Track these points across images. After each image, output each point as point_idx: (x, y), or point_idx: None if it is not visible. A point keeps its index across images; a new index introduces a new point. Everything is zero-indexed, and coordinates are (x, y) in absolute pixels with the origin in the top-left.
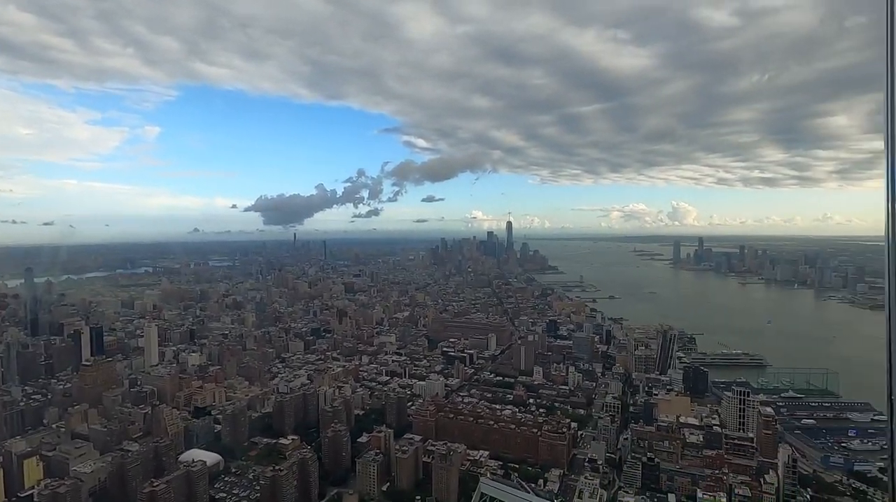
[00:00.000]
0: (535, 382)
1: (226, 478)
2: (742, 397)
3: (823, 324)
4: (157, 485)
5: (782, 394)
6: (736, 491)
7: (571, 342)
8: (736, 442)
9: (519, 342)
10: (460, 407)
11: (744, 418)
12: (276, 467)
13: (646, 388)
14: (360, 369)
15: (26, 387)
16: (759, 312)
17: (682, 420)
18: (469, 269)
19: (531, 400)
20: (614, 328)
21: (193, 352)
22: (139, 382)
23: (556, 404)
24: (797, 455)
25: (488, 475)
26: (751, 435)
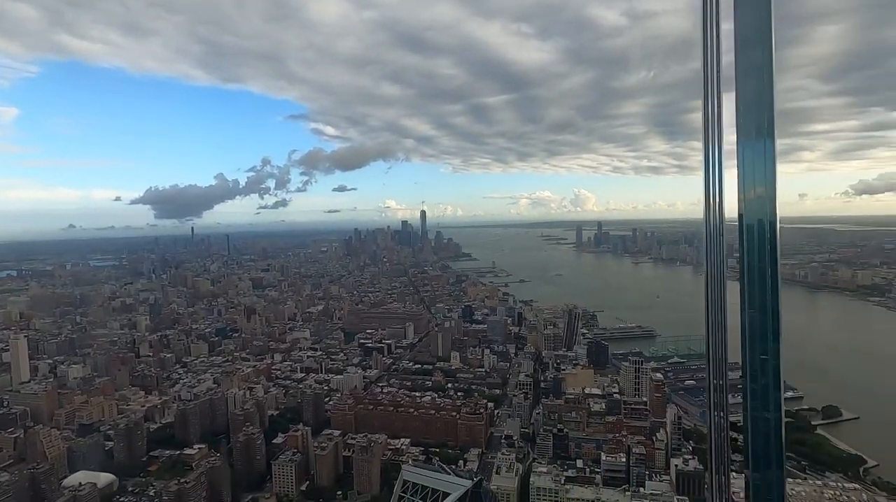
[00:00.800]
0: (453, 367)
1: (122, 499)
2: (636, 366)
3: (700, 296)
4: None
5: (669, 361)
6: (633, 450)
7: (486, 326)
8: (633, 406)
9: (436, 329)
10: (380, 398)
11: (638, 384)
12: (182, 480)
13: (555, 365)
14: (273, 368)
15: None
16: (649, 288)
17: (587, 391)
18: (384, 259)
19: (449, 385)
20: (525, 310)
21: (75, 363)
22: (6, 403)
23: (474, 387)
24: (681, 413)
25: (410, 462)
26: (644, 399)
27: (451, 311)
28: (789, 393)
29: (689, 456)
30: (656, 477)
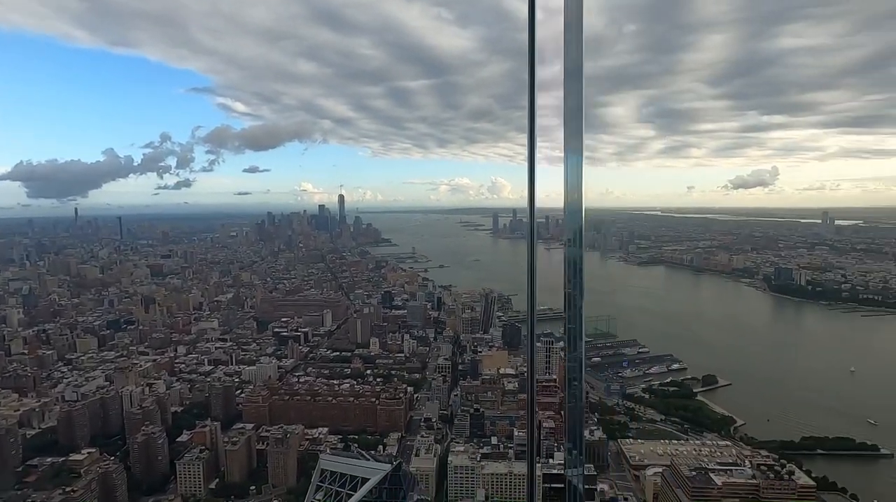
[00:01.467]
0: (372, 353)
1: None
2: (547, 346)
3: (606, 279)
4: None
5: None
6: (544, 424)
7: (406, 311)
8: (544, 383)
9: (355, 315)
10: (296, 388)
11: (549, 363)
12: (68, 489)
13: (472, 347)
14: (177, 361)
15: None
16: (559, 273)
17: (501, 371)
18: (300, 245)
19: (369, 372)
20: (444, 295)
21: None
22: None
23: (393, 372)
24: (588, 388)
25: (328, 451)
26: (554, 376)
27: (370, 297)
28: (675, 365)
29: (595, 427)
30: (565, 448)
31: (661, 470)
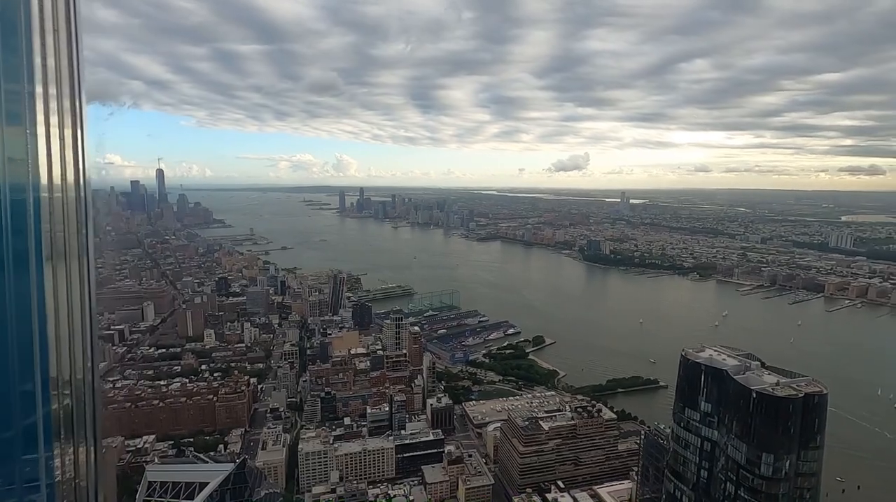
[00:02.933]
0: (207, 346)
1: None
2: (396, 322)
3: (449, 255)
4: None
5: (424, 314)
6: (395, 398)
7: (245, 298)
8: (394, 359)
9: (184, 306)
10: (111, 395)
11: (399, 339)
12: None
13: (321, 330)
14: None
15: None
16: (407, 250)
17: (353, 352)
18: (109, 228)
19: (204, 367)
20: (288, 278)
21: None
22: None
23: (233, 364)
24: (435, 359)
25: (156, 460)
26: (405, 351)
27: (202, 285)
28: (511, 330)
29: (442, 394)
30: (415, 418)
31: (499, 424)
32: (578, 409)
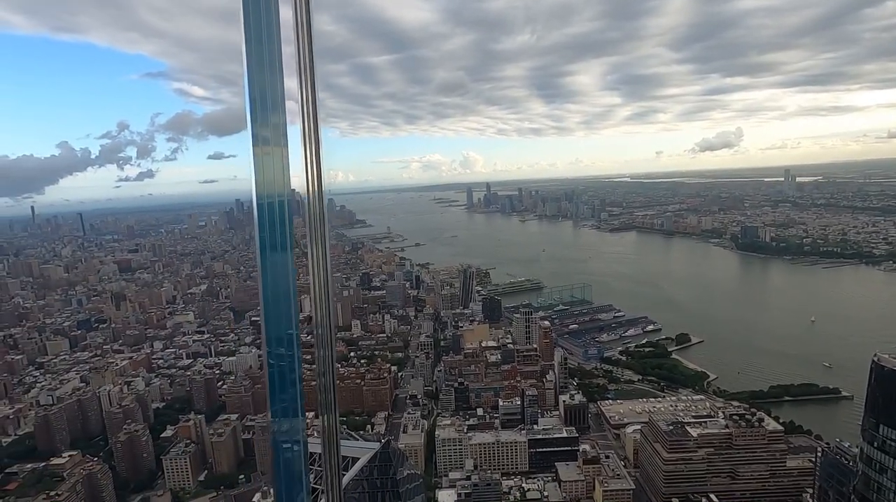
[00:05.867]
0: (355, 335)
1: None
2: (526, 316)
3: (580, 248)
4: None
5: (555, 308)
6: (527, 393)
7: (385, 291)
8: (524, 353)
9: (335, 299)
10: None
11: (529, 333)
12: (52, 493)
13: (453, 323)
14: (153, 357)
15: None
16: (535, 244)
17: (483, 344)
18: None
19: (352, 354)
20: (422, 273)
21: None
22: None
23: (376, 352)
24: (567, 354)
25: (315, 434)
26: (535, 346)
27: (348, 280)
28: (650, 327)
29: (575, 392)
30: (547, 413)
31: (639, 426)
32: (734, 417)
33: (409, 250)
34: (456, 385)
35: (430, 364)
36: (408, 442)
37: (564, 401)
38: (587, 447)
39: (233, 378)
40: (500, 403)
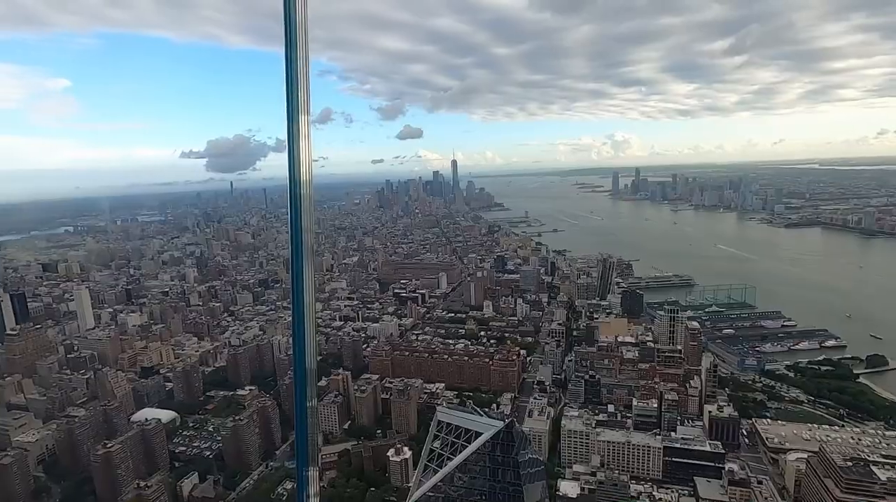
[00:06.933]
0: (486, 316)
1: (184, 433)
2: (672, 314)
3: (744, 244)
4: (111, 447)
5: (707, 309)
6: (666, 396)
7: (518, 276)
8: (667, 354)
9: (468, 279)
10: (415, 345)
11: (673, 333)
12: (237, 417)
13: (588, 313)
14: (315, 316)
15: None
16: (686, 236)
17: (620, 339)
18: (416, 211)
19: (482, 333)
20: (558, 260)
21: (133, 312)
22: (76, 347)
23: (506, 334)
24: (718, 360)
25: (444, 404)
26: (679, 347)
27: (483, 261)
28: (831, 342)
29: (725, 403)
30: (688, 422)
31: (805, 455)
32: None
33: (546, 236)
34: (587, 377)
35: (561, 352)
36: (532, 427)
37: (710, 412)
38: (735, 467)
39: (376, 342)
40: (635, 403)
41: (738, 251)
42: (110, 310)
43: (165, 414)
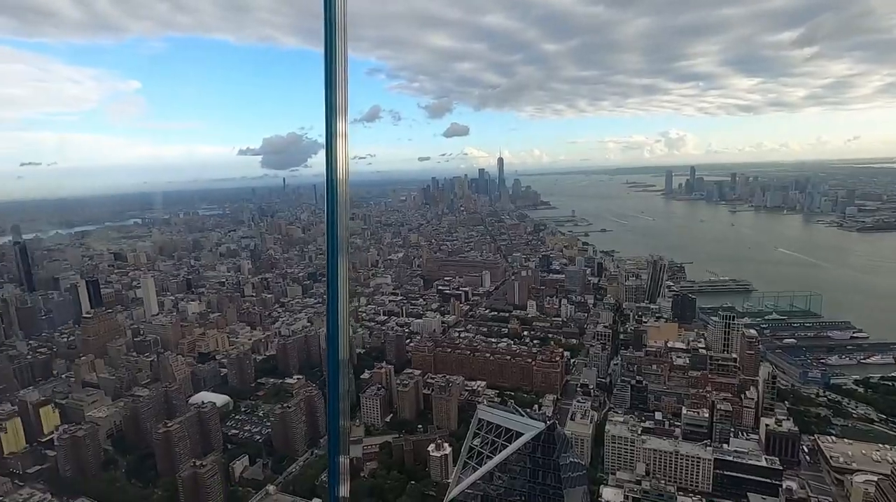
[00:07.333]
0: (529, 315)
1: (236, 417)
2: (727, 321)
3: (808, 248)
4: (171, 426)
5: (766, 317)
6: (718, 406)
7: (564, 276)
8: (720, 362)
9: (512, 278)
10: (457, 342)
11: (728, 340)
12: (285, 404)
13: (636, 317)
14: (359, 310)
15: (30, 341)
16: (745, 239)
17: (669, 344)
18: (461, 208)
19: (525, 333)
20: (605, 260)
21: (192, 300)
22: (142, 331)
23: (550, 335)
24: (777, 372)
25: (485, 402)
26: (734, 355)
27: (527, 261)
28: None
29: (784, 417)
30: (742, 435)
31: (875, 478)
32: None
33: (593, 236)
34: (633, 382)
35: (606, 355)
36: (574, 431)
37: (768, 426)
38: (794, 485)
39: (419, 338)
40: (684, 411)
41: (802, 256)
42: (172, 297)
43: (220, 398)
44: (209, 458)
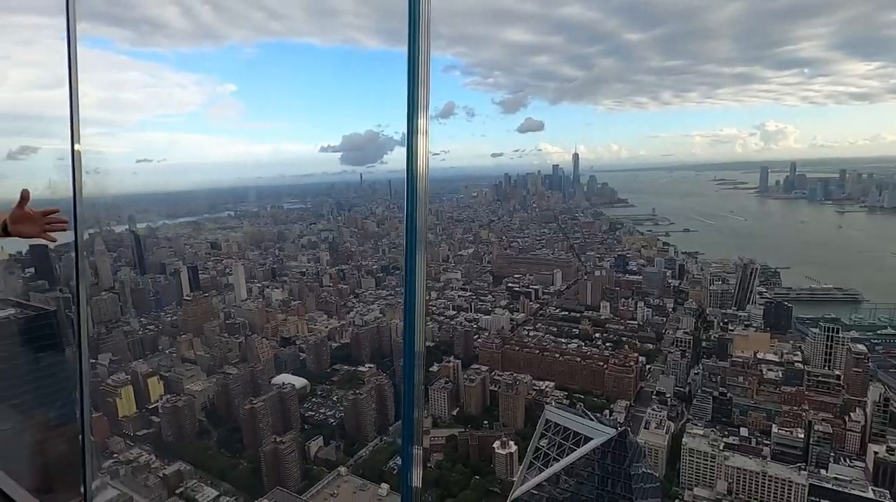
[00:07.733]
0: (602, 317)
1: (313, 400)
2: (830, 333)
3: None
4: (256, 403)
5: (879, 331)
6: (816, 427)
7: (641, 277)
8: (820, 379)
9: (585, 277)
10: (525, 340)
11: (830, 355)
12: (357, 391)
13: (721, 324)
14: (429, 304)
15: (141, 319)
16: (856, 243)
17: (759, 356)
18: (534, 205)
19: (597, 335)
20: (688, 262)
21: (276, 288)
22: (232, 315)
23: (624, 338)
24: (890, 393)
25: (553, 404)
26: (837, 372)
27: (602, 260)
28: None
29: None
30: (844, 460)
31: None
32: None
33: (675, 236)
34: (716, 393)
35: (686, 363)
36: (648, 440)
37: (877, 453)
38: None
39: (486, 334)
40: (775, 429)
41: None
42: (259, 285)
43: (299, 381)
44: (288, 436)
